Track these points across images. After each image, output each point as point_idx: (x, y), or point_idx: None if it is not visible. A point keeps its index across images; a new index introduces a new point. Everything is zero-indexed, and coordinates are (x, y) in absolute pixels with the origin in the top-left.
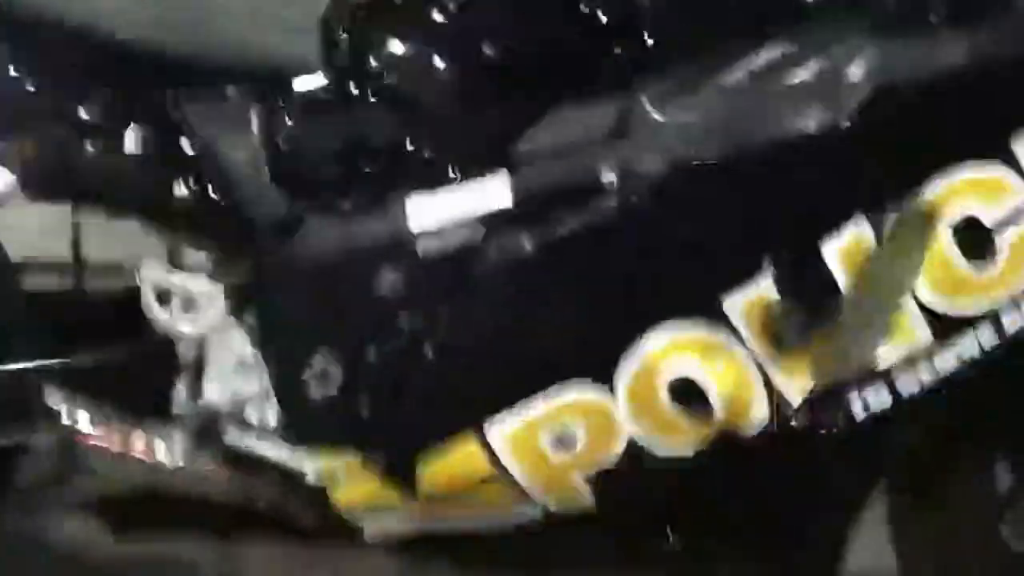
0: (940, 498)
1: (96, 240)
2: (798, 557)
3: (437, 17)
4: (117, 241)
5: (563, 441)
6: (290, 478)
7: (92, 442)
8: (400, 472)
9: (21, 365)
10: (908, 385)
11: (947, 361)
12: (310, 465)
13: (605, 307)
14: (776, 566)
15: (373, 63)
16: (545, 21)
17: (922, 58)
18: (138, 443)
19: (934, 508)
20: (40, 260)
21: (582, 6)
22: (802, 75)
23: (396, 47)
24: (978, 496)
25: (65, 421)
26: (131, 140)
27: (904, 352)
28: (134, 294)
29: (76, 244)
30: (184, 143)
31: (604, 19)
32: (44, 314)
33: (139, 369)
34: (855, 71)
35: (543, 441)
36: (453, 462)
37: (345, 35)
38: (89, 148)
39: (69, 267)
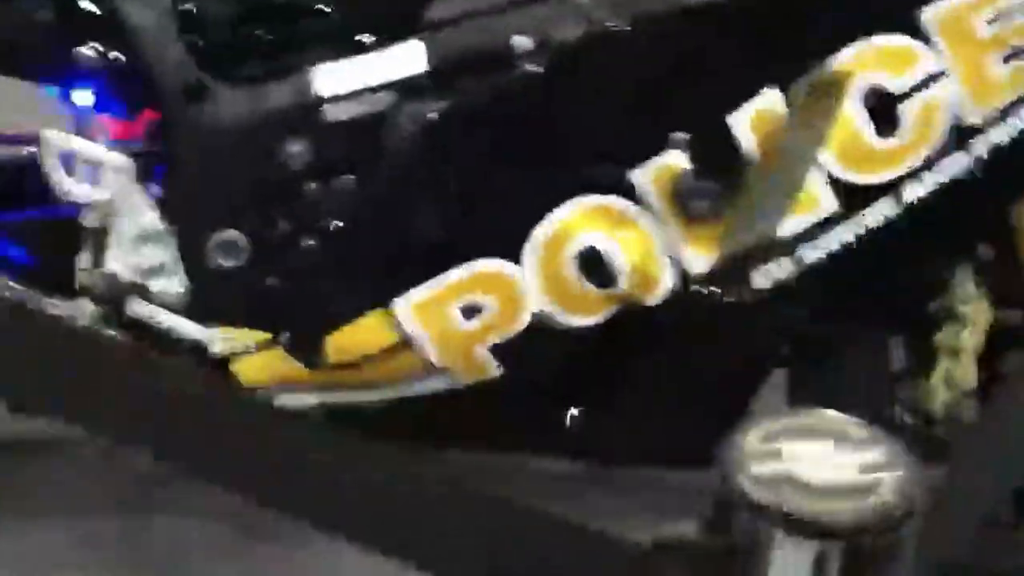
0: (836, 373)
1: None
2: (698, 427)
3: None
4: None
5: (470, 311)
6: (193, 351)
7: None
8: (306, 346)
9: None
10: (811, 255)
11: (850, 231)
12: (214, 338)
13: (513, 178)
14: (676, 438)
15: None
16: None
17: None
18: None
19: (830, 382)
20: None
21: None
22: None
23: None
24: (872, 372)
25: None
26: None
27: (808, 221)
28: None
29: None
30: (89, 4)
31: None
32: None
33: (43, 239)
34: None
35: (450, 312)
36: (359, 331)
37: None
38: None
39: None
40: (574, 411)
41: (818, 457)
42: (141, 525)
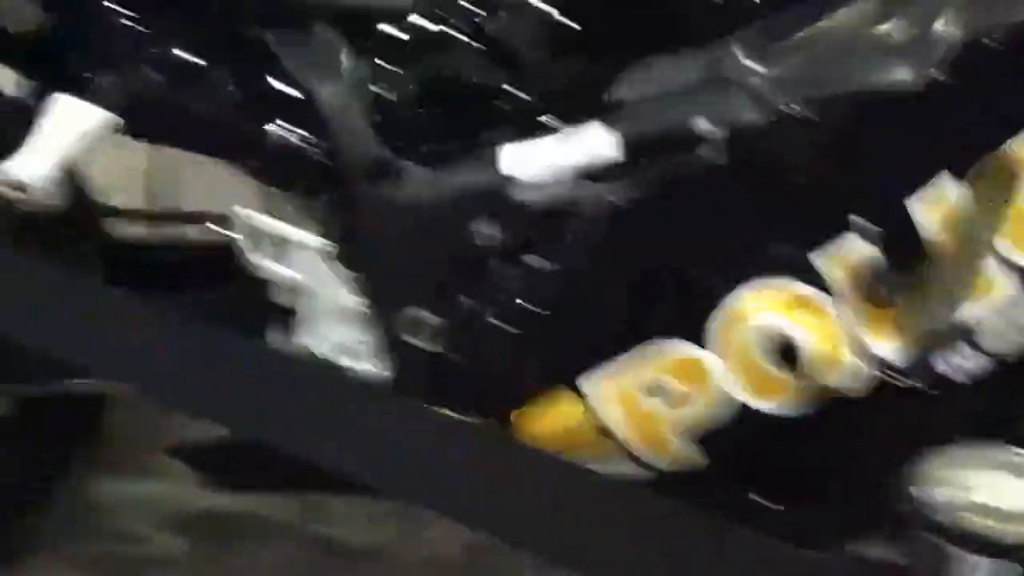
0: None
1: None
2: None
3: None
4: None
5: (658, 393)
6: None
7: None
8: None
9: None
10: (994, 342)
11: None
12: None
13: (699, 261)
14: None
15: (469, 6)
16: None
17: (1007, 14)
18: None
19: None
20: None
21: None
22: (891, 28)
23: None
24: None
25: None
26: (224, 80)
27: (986, 307)
28: (222, 243)
29: (150, 192)
30: (276, 83)
31: None
32: (127, 262)
33: (233, 314)
34: (943, 26)
35: (638, 394)
36: (550, 417)
37: None
38: (182, 87)
39: (142, 215)
40: (777, 501)
41: (995, 485)
42: None
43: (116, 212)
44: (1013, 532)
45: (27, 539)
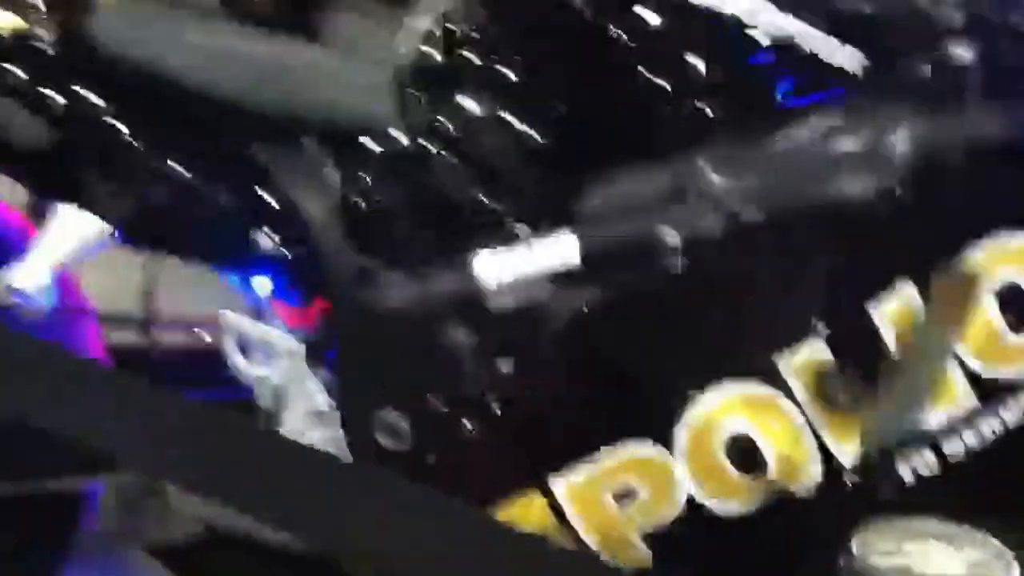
0: None
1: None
2: None
3: (508, 79)
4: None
5: (622, 496)
6: None
7: None
8: None
9: None
10: (954, 449)
11: (992, 426)
12: None
13: (663, 365)
14: None
15: (445, 122)
16: (607, 86)
17: (963, 130)
18: None
19: None
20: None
21: (643, 72)
22: (851, 142)
23: (470, 106)
24: None
25: None
26: (219, 193)
27: (949, 416)
28: (207, 348)
29: (147, 298)
30: (265, 195)
31: (665, 86)
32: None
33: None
34: (900, 141)
35: (603, 495)
36: (515, 510)
37: (418, 94)
38: (177, 199)
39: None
40: None
41: (931, 554)
42: None
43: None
44: None
45: None
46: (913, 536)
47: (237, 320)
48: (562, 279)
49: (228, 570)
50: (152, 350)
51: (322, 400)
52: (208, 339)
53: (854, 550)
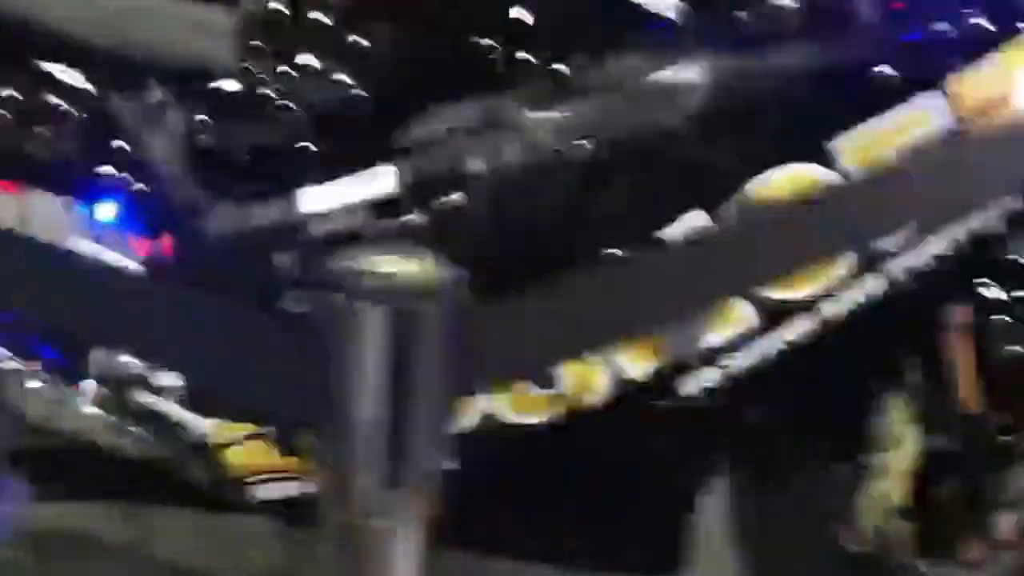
0: (776, 488)
1: None
2: (639, 534)
3: (341, 39)
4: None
5: None
6: (189, 439)
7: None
8: (285, 437)
9: None
10: (737, 365)
11: (772, 345)
12: (209, 429)
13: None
14: (615, 545)
15: (283, 71)
16: (426, 41)
17: (753, 69)
18: None
19: (772, 496)
20: None
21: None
22: (651, 80)
23: (310, 61)
24: (814, 493)
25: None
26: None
27: (731, 335)
28: None
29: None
30: (111, 134)
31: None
32: None
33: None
34: (693, 77)
35: None
36: None
37: (260, 45)
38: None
39: None
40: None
41: None
42: None
43: None
44: None
45: None
46: None
47: (88, 247)
48: (379, 204)
49: (72, 477)
50: None
51: None
52: None
53: None
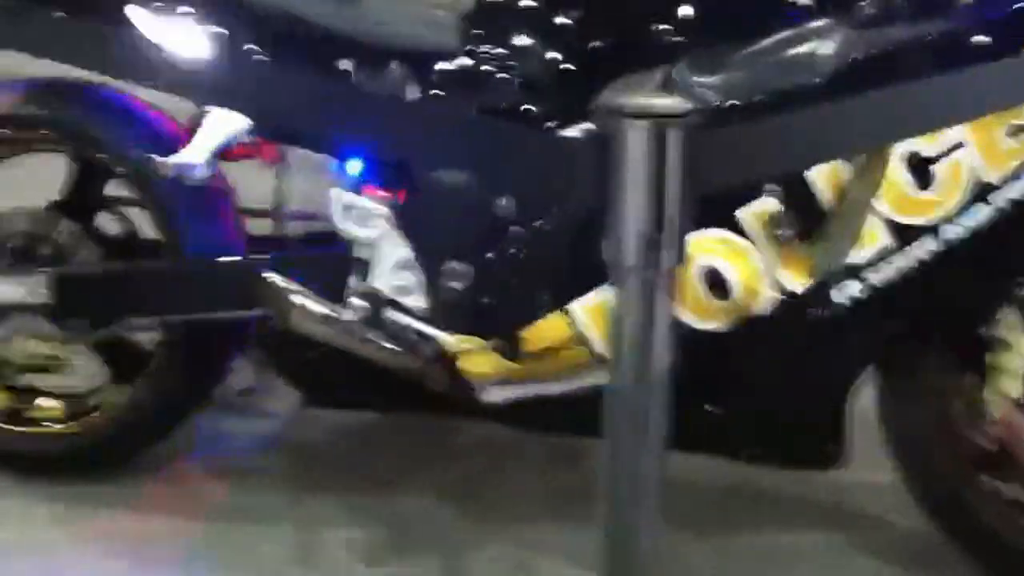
0: (911, 381)
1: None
2: (804, 420)
3: (552, 21)
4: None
5: None
6: (432, 350)
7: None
8: (508, 343)
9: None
10: (877, 279)
11: (904, 261)
12: (448, 341)
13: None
14: (784, 435)
15: (500, 51)
16: (617, 23)
17: (874, 43)
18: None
19: (907, 389)
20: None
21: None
22: (792, 52)
23: (522, 40)
24: (944, 392)
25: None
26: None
27: (871, 253)
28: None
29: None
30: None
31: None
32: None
33: (332, 265)
34: (826, 49)
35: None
36: (546, 332)
37: (480, 30)
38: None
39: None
40: (708, 408)
41: None
42: None
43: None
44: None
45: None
46: None
47: (342, 194)
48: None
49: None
50: (282, 239)
51: (406, 251)
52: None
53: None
